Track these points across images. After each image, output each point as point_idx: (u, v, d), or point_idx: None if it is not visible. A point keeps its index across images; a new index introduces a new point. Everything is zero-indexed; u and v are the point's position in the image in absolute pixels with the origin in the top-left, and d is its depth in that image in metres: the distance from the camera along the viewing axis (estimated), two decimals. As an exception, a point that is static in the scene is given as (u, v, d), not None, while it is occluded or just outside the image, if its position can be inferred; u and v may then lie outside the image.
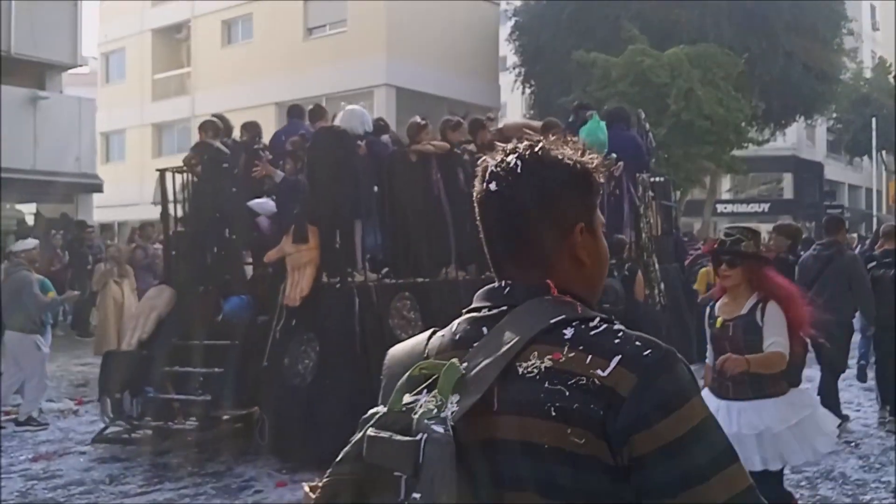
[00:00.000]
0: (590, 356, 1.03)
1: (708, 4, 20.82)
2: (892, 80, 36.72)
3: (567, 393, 1.01)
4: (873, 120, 32.31)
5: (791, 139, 32.56)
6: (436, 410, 1.03)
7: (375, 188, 6.39)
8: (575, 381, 1.02)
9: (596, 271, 1.20)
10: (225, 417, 6.73)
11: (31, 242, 7.82)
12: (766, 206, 32.82)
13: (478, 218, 1.22)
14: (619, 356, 1.02)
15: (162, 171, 7.46)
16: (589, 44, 20.19)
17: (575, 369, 1.03)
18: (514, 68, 24.82)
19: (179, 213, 7.54)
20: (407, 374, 1.10)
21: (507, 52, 25.53)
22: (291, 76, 21.76)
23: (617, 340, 1.05)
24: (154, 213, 23.34)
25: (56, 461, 6.48)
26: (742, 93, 19.77)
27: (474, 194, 1.23)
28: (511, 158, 1.16)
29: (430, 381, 1.07)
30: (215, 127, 7.33)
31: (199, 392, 6.43)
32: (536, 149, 1.16)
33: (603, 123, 7.66)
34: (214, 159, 7.04)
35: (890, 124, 33.61)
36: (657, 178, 9.77)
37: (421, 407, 1.04)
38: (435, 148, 6.68)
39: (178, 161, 25.23)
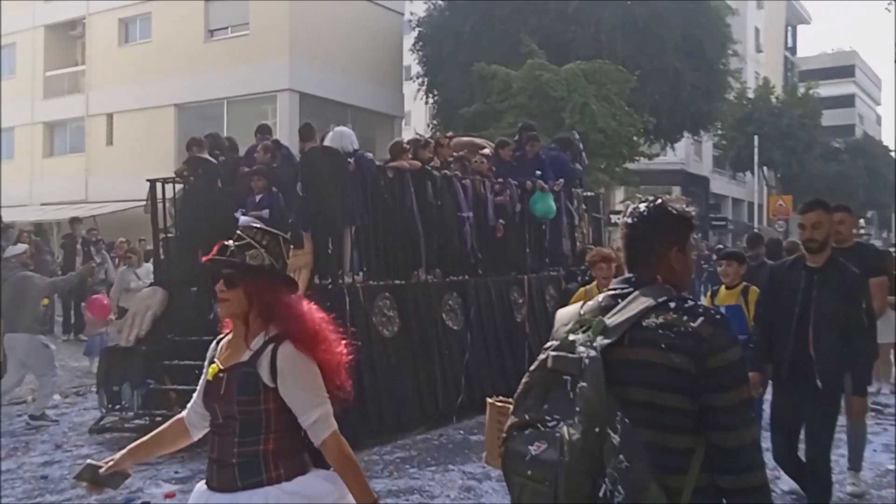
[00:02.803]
0: (685, 316, 2.02)
1: (603, 23, 23.15)
2: (773, 100, 41.57)
3: (672, 335, 2.00)
4: (755, 138, 36.63)
5: (680, 154, 36.25)
6: (589, 343, 2.00)
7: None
8: (677, 328, 2.00)
9: (682, 275, 2.21)
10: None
11: (21, 247, 8.82)
12: (655, 218, 36.34)
13: (622, 238, 2.27)
14: (703, 317, 2.02)
15: (152, 182, 8.63)
16: (490, 56, 21.90)
17: (676, 323, 2.01)
18: (417, 77, 26.54)
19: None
20: (570, 324, 2.12)
21: (411, 61, 27.14)
22: (191, 78, 22.61)
23: (701, 310, 2.06)
24: (43, 214, 23.32)
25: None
26: (634, 108, 21.95)
27: (621, 224, 2.27)
28: (643, 206, 2.20)
29: (583, 327, 2.07)
30: (200, 143, 8.72)
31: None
32: (658, 202, 2.20)
33: (550, 196, 9.71)
34: (207, 172, 8.39)
35: (771, 142, 38.21)
36: (589, 193, 11.96)
37: (580, 342, 2.02)
38: (409, 165, 8.30)
39: (71, 161, 25.42)
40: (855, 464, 5.97)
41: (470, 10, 24.04)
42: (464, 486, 6.23)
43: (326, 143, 8.05)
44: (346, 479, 2.54)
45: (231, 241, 2.67)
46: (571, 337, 2.06)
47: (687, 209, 2.24)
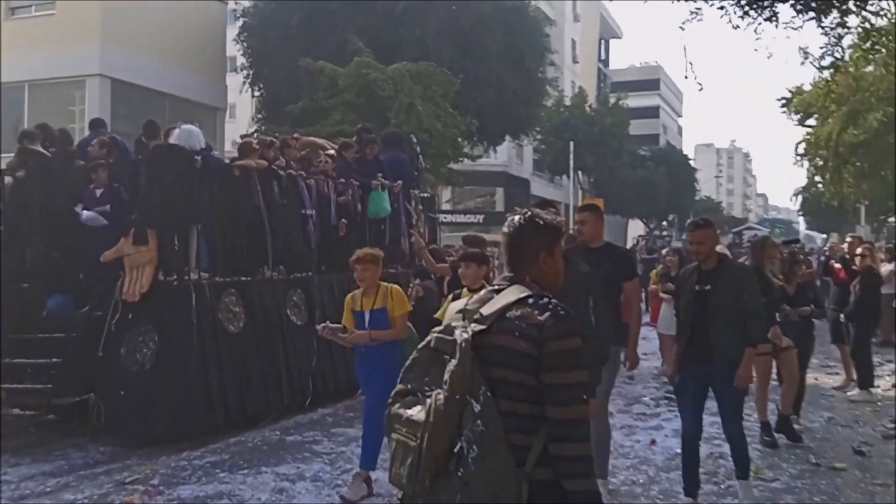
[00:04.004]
0: (536, 311, 2.40)
1: (429, 26, 24.02)
2: (587, 109, 44.78)
3: (524, 326, 2.38)
4: (571, 143, 39.39)
5: (502, 157, 38.28)
6: (464, 328, 2.43)
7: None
8: (528, 320, 2.39)
9: (551, 275, 2.63)
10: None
11: None
12: (481, 218, 38.39)
13: (502, 245, 2.71)
14: (549, 311, 2.40)
15: (-21, 174, 8.51)
16: (317, 52, 22.16)
17: (529, 316, 2.40)
18: (242, 69, 26.30)
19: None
20: (455, 313, 2.56)
21: (236, 52, 26.74)
22: (-12, 58, 21.31)
23: (551, 306, 2.42)
24: None
25: None
26: (458, 111, 23.03)
27: (501, 233, 2.67)
28: (517, 218, 2.64)
29: (464, 316, 2.50)
30: (31, 135, 8.64)
31: (31, 381, 7.77)
32: (529, 214, 2.64)
33: (385, 193, 10.48)
34: (40, 165, 8.33)
35: (584, 148, 41.15)
36: (425, 194, 12.75)
37: (458, 327, 2.46)
38: (256, 164, 8.67)
39: None
40: (602, 471, 5.86)
41: (297, 4, 24.13)
42: (276, 489, 6.29)
43: (173, 140, 8.28)
44: None
45: None
46: (453, 323, 2.52)
47: (554, 220, 2.70)
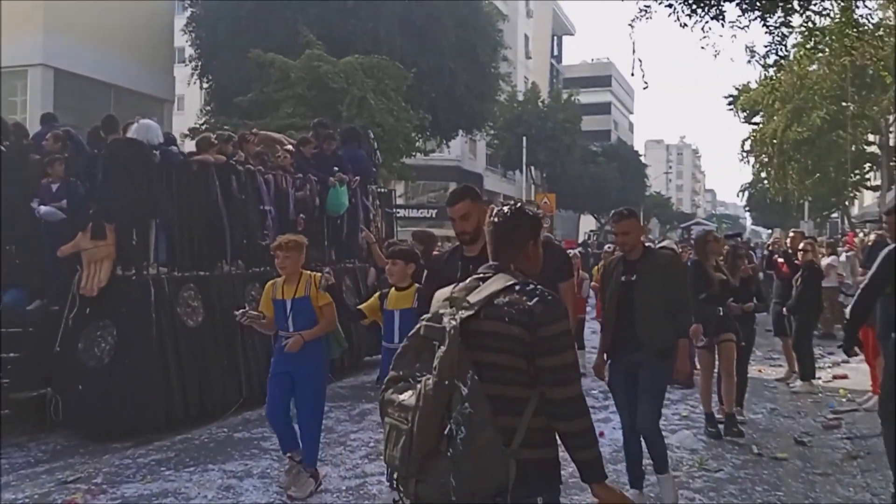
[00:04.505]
0: (524, 297, 2.58)
1: (381, 20, 24.10)
2: (540, 105, 45.36)
3: (513, 311, 2.56)
4: (524, 139, 39.95)
5: (455, 151, 38.64)
6: (452, 315, 2.58)
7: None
8: (517, 306, 2.57)
9: (535, 262, 2.85)
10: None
11: None
12: (434, 213, 38.66)
13: (487, 234, 2.87)
14: (537, 297, 2.58)
15: (-71, 167, 8.46)
16: (267, 44, 21.99)
17: (518, 302, 2.58)
18: (190, 61, 26.04)
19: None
20: (442, 301, 2.72)
21: (184, 43, 26.48)
22: (-76, 47, 20.78)
23: (538, 291, 2.61)
24: None
25: None
26: (411, 105, 23.10)
27: (487, 223, 2.88)
28: (506, 209, 2.83)
29: (451, 304, 2.65)
30: (-16, 129, 8.70)
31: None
32: (518, 206, 2.85)
33: (344, 189, 10.66)
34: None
35: (537, 143, 41.76)
36: (382, 189, 12.92)
37: (446, 314, 2.61)
38: (214, 159, 8.80)
39: None
40: None
41: (247, -5, 24.06)
42: (223, 486, 6.25)
43: (131, 134, 8.36)
44: None
45: None
46: (441, 311, 2.67)
47: (538, 211, 2.95)
